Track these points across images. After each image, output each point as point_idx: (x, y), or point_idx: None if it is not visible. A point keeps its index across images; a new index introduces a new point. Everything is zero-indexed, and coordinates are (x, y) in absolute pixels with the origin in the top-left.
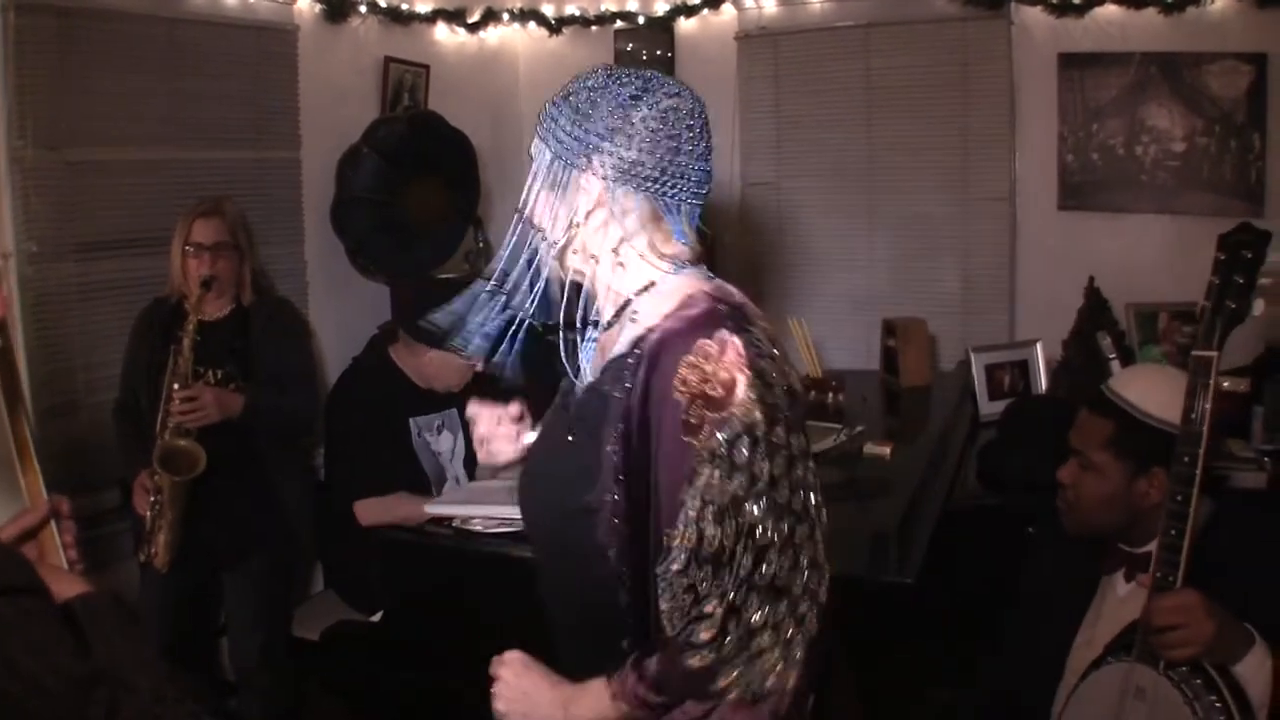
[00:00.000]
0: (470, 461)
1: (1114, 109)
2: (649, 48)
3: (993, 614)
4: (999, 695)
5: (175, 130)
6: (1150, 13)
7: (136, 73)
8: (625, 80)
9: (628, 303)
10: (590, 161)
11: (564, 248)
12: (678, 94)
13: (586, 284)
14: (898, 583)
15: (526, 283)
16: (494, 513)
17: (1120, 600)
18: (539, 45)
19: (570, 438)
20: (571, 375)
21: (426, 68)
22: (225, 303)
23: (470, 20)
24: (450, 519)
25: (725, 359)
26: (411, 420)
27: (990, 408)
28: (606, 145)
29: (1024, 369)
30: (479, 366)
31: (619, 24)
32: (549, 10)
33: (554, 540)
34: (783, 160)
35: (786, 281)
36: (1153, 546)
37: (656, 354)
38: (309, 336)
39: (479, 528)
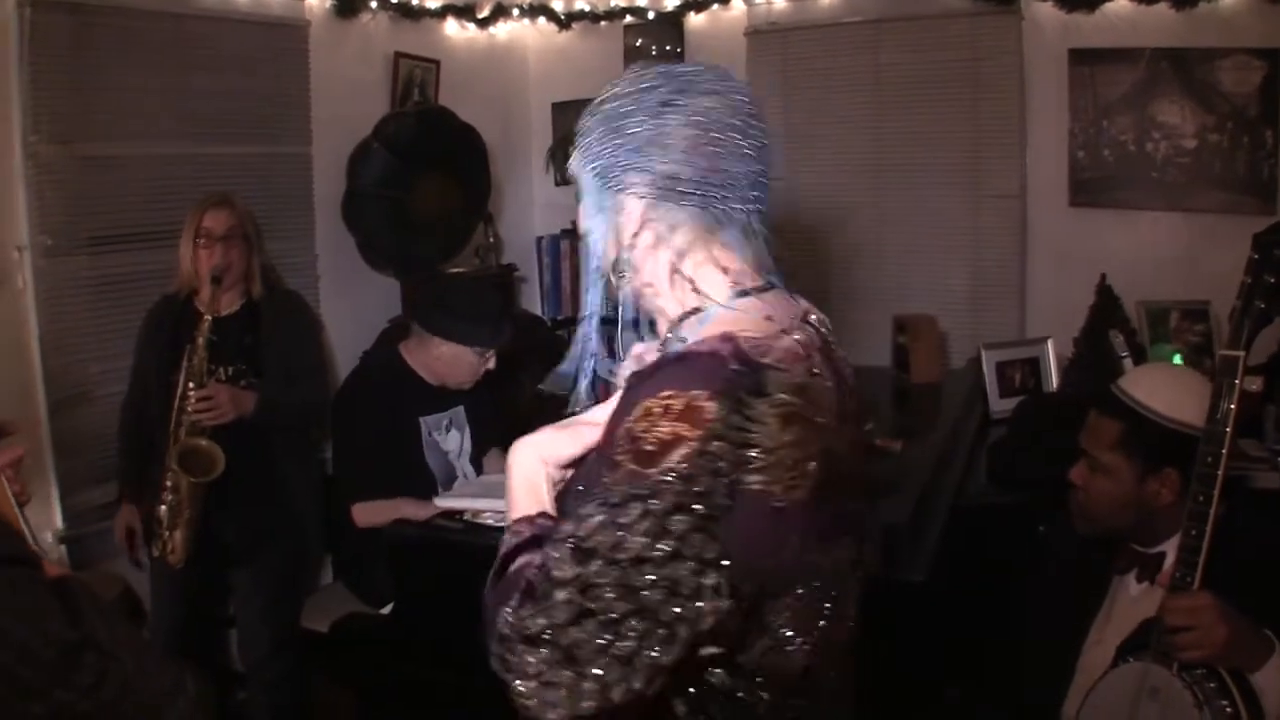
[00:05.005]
0: (477, 459)
1: (1125, 105)
2: (658, 43)
3: (1003, 613)
4: (1009, 694)
5: (187, 125)
6: (1161, 7)
7: (149, 68)
8: (656, 84)
9: (674, 327)
10: (628, 181)
11: (620, 272)
12: (715, 91)
13: (646, 306)
14: (909, 580)
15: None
16: (505, 506)
17: (1132, 600)
18: (548, 40)
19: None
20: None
21: (437, 63)
22: (235, 296)
23: (480, 15)
24: (460, 513)
25: (678, 422)
26: (421, 420)
27: (1001, 405)
28: (641, 161)
29: (1035, 366)
30: (490, 364)
31: (628, 19)
32: (558, 5)
33: None
34: (792, 156)
35: (796, 276)
36: (1165, 546)
37: (638, 383)
38: (319, 329)
39: (490, 521)
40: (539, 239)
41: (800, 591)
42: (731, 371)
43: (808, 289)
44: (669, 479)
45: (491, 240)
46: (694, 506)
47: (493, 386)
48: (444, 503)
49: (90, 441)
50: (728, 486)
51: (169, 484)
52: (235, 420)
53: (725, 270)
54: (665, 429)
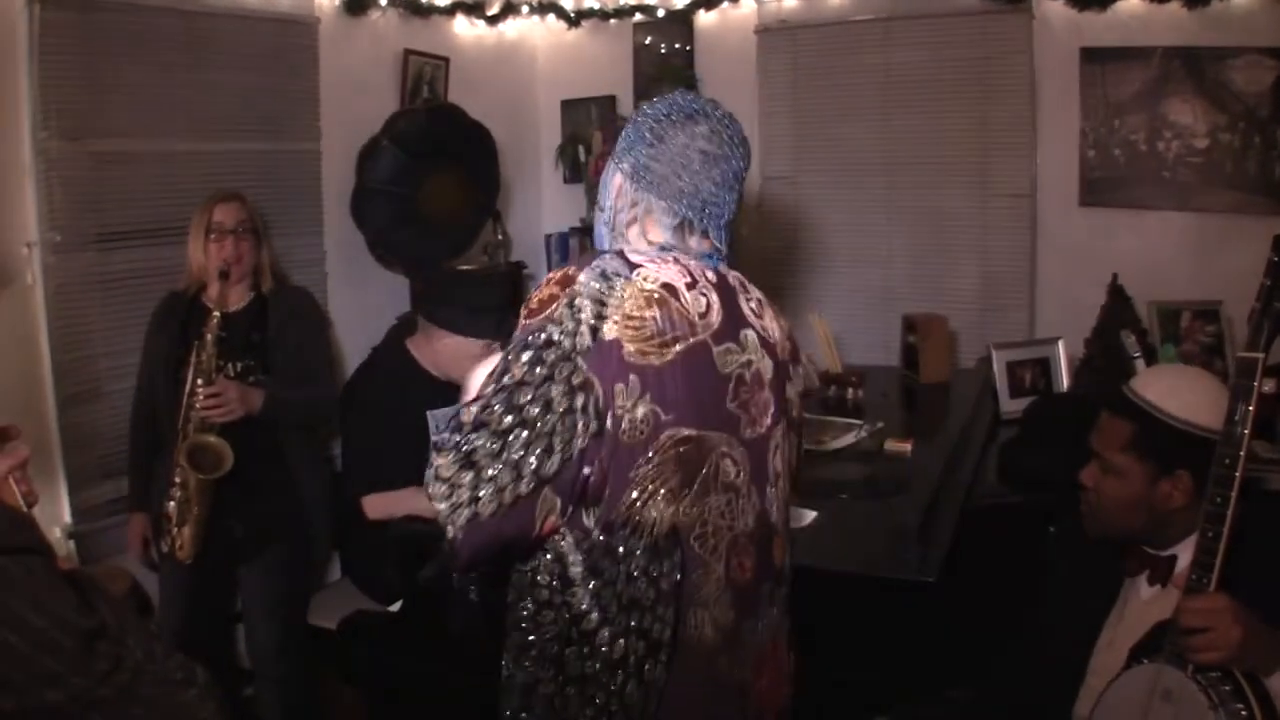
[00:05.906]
0: None
1: (1136, 104)
2: (668, 41)
3: (1013, 614)
4: (1018, 695)
5: (196, 122)
6: (1173, 6)
7: (159, 65)
8: (672, 103)
9: None
10: (622, 162)
11: (607, 224)
12: (711, 127)
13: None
14: (919, 581)
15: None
16: None
17: (1144, 603)
18: (558, 38)
19: None
20: None
21: (446, 60)
22: (244, 291)
23: (489, 13)
24: None
25: (555, 286)
26: (429, 415)
27: (1011, 405)
28: (632, 151)
29: (1045, 366)
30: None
31: (638, 17)
32: (568, 3)
33: None
34: (801, 154)
35: (806, 276)
36: (1176, 549)
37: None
38: (327, 326)
39: None
40: (548, 236)
41: (658, 459)
42: (606, 259)
43: (815, 287)
44: (544, 323)
45: (500, 237)
46: (562, 342)
47: None
48: None
49: (99, 437)
50: (591, 331)
51: (177, 480)
52: (243, 417)
53: (651, 242)
54: (546, 291)
